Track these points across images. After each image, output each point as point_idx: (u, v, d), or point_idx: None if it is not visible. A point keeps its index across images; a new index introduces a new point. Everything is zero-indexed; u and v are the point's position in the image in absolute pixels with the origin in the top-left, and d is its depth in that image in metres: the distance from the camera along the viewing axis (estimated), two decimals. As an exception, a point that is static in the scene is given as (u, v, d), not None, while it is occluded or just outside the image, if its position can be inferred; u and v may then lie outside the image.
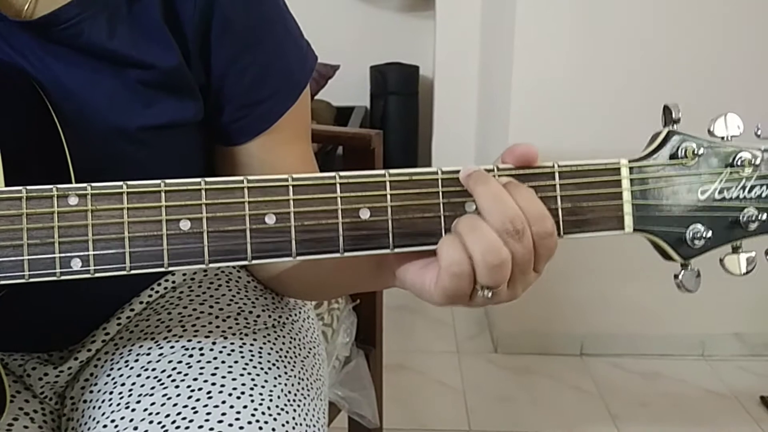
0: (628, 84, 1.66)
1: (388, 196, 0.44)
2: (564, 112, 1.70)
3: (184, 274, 0.68)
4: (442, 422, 1.60)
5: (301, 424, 0.55)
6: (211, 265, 0.43)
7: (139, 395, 0.55)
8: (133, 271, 0.43)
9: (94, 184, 0.43)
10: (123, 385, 0.57)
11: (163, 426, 0.51)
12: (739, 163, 0.46)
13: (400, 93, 2.85)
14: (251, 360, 0.58)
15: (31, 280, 0.42)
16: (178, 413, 0.52)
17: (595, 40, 1.65)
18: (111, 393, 0.57)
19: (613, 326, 1.86)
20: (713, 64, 1.64)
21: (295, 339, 0.65)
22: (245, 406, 0.53)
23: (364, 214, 0.44)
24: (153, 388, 0.55)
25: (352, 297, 1.11)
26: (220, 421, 0.51)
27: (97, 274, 0.43)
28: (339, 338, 1.03)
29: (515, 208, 0.42)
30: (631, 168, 0.46)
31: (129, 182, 0.43)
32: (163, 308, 0.65)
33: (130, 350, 0.60)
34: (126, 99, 0.55)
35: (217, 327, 0.61)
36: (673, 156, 0.46)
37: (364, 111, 2.81)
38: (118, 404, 0.55)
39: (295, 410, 0.56)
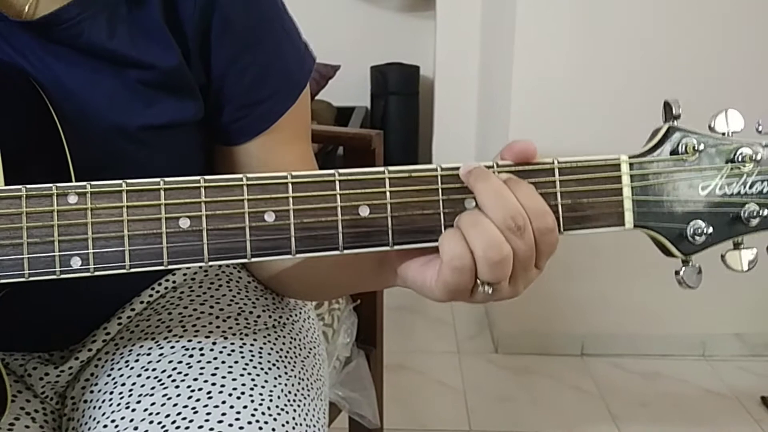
0: (628, 84, 1.66)
1: (388, 193, 0.44)
2: (564, 112, 1.70)
3: (184, 274, 0.68)
4: (443, 422, 1.60)
5: (301, 424, 0.55)
6: (210, 263, 0.43)
7: (140, 395, 0.55)
8: (132, 270, 0.43)
9: (93, 183, 0.43)
10: (123, 385, 0.57)
11: (163, 426, 0.51)
12: (740, 158, 0.46)
13: (401, 93, 2.85)
14: (251, 360, 0.58)
15: (31, 278, 0.42)
16: (178, 413, 0.52)
17: (595, 40, 1.65)
18: (111, 393, 0.57)
19: (614, 326, 1.86)
20: (713, 63, 1.64)
21: (295, 339, 0.65)
22: (245, 406, 0.53)
23: (364, 212, 0.44)
24: (153, 388, 0.55)
25: (352, 297, 1.11)
26: (220, 421, 0.51)
27: (96, 273, 0.43)
28: (339, 338, 1.03)
29: (516, 204, 0.42)
30: (631, 164, 0.46)
31: (128, 180, 0.43)
32: (163, 308, 0.65)
33: (131, 350, 0.60)
34: (126, 99, 0.55)
35: (218, 327, 0.61)
36: (674, 152, 0.46)
37: (364, 111, 2.81)
38: (119, 404, 0.55)
39: (295, 410, 0.56)
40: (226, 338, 0.60)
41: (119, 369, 0.59)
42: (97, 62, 0.53)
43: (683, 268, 0.47)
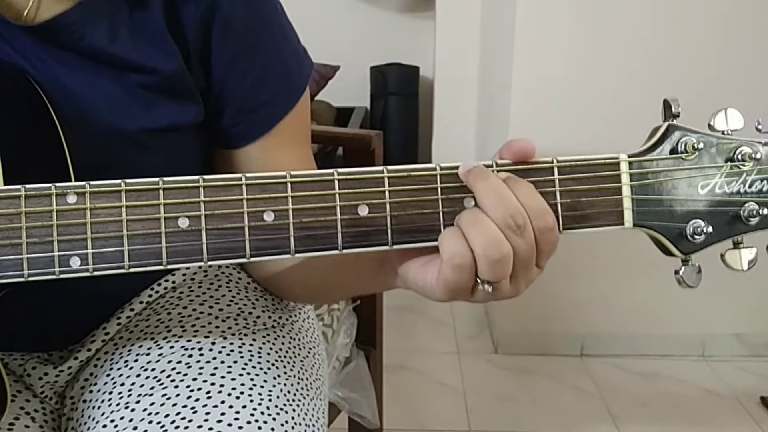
0: (628, 84, 1.66)
1: (387, 193, 0.44)
2: (564, 112, 1.70)
3: (184, 275, 0.68)
4: (442, 422, 1.60)
5: (300, 424, 0.55)
6: (209, 262, 0.43)
7: (139, 395, 0.55)
8: (131, 270, 0.43)
9: (92, 183, 0.43)
10: (122, 385, 0.57)
11: (163, 426, 0.51)
12: (739, 157, 0.46)
13: (401, 93, 2.85)
14: (251, 360, 0.58)
15: (31, 279, 0.42)
16: (178, 413, 0.52)
17: (595, 40, 1.65)
18: (110, 393, 0.57)
19: (613, 326, 1.86)
20: (713, 63, 1.64)
21: (294, 339, 0.65)
22: (244, 406, 0.53)
23: (363, 211, 0.44)
24: (152, 388, 0.55)
25: (352, 297, 1.11)
26: (220, 421, 0.51)
27: (96, 273, 0.43)
28: (339, 339, 1.03)
29: (516, 203, 0.42)
30: (630, 162, 0.46)
31: (127, 180, 0.43)
32: (163, 308, 0.64)
33: (130, 350, 0.60)
34: (126, 102, 0.55)
35: (217, 327, 0.61)
36: (673, 150, 0.46)
37: (364, 111, 2.81)
38: (118, 404, 0.55)
39: (294, 410, 0.56)
40: (225, 338, 0.60)
41: (118, 369, 0.59)
42: (98, 66, 0.53)
43: (683, 268, 0.47)
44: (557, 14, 1.64)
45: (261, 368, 0.57)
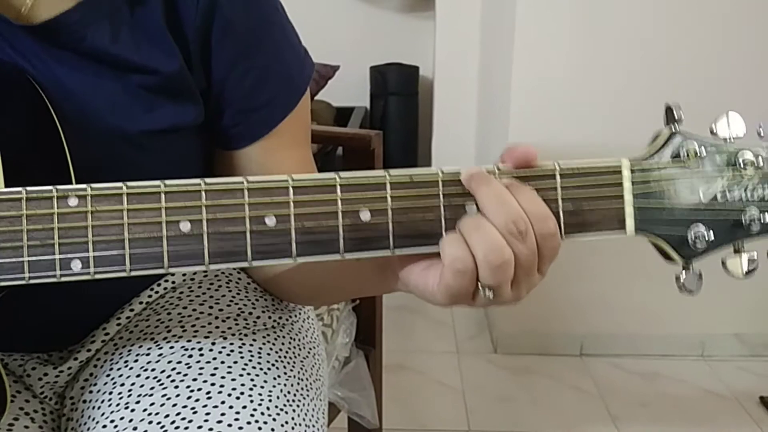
0: (628, 84, 1.66)
1: (389, 198, 0.44)
2: (564, 112, 1.70)
3: (184, 275, 0.68)
4: (442, 422, 1.60)
5: (300, 424, 0.55)
6: (211, 266, 0.43)
7: (139, 395, 0.55)
8: (133, 273, 0.43)
9: (93, 185, 0.42)
10: (122, 385, 0.57)
11: (163, 426, 0.51)
12: (741, 163, 0.45)
13: (400, 93, 2.85)
14: (251, 360, 0.58)
15: (31, 281, 0.42)
16: (178, 413, 0.52)
17: (595, 40, 1.65)
18: (110, 393, 0.57)
19: (613, 326, 1.87)
20: (713, 64, 1.64)
21: (294, 339, 0.65)
22: (244, 407, 0.53)
23: (365, 216, 0.44)
24: (152, 388, 0.55)
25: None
26: (220, 422, 0.51)
27: (97, 276, 0.42)
28: (339, 339, 1.03)
29: (518, 208, 0.42)
30: (632, 169, 0.46)
31: (129, 183, 0.43)
32: (162, 308, 0.64)
33: (130, 350, 0.60)
34: (127, 103, 0.55)
35: (217, 327, 0.61)
36: (675, 156, 0.46)
37: (364, 111, 2.81)
38: (118, 404, 0.55)
39: (294, 410, 0.56)
40: (225, 338, 0.60)
41: (118, 369, 0.59)
42: (99, 66, 0.53)
43: (684, 273, 0.47)
44: (557, 14, 1.64)
45: (261, 368, 0.57)
